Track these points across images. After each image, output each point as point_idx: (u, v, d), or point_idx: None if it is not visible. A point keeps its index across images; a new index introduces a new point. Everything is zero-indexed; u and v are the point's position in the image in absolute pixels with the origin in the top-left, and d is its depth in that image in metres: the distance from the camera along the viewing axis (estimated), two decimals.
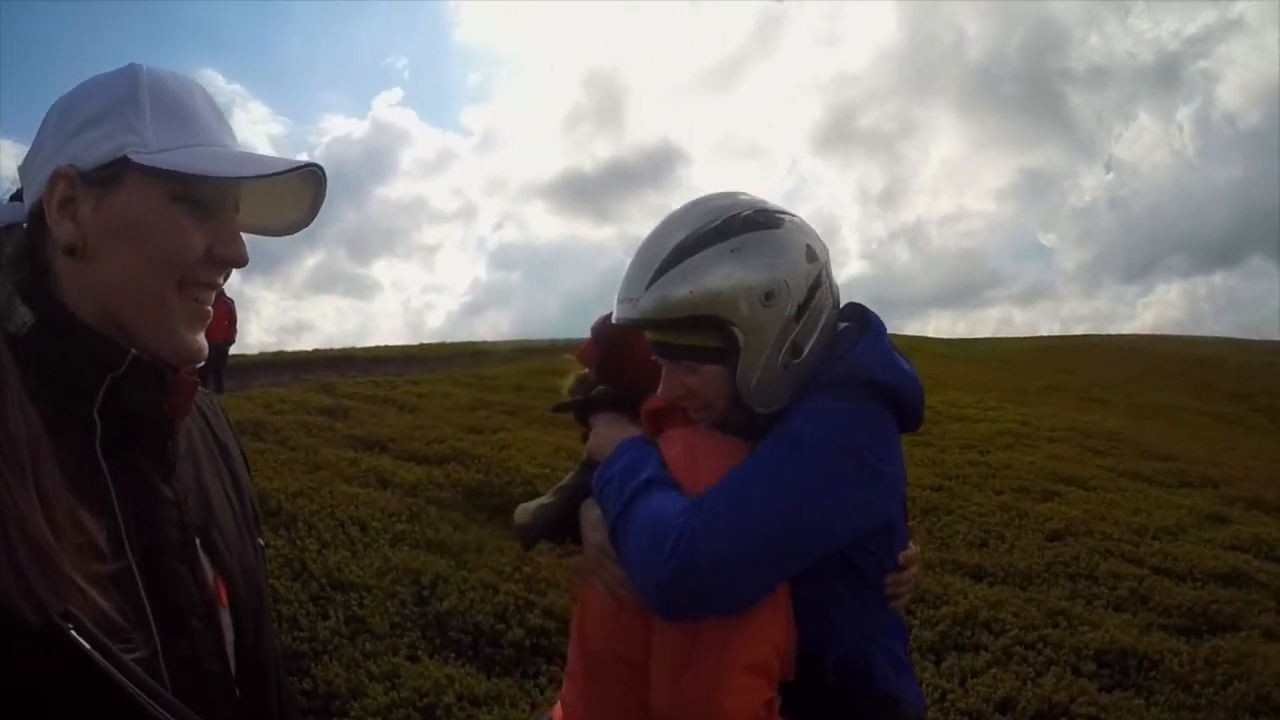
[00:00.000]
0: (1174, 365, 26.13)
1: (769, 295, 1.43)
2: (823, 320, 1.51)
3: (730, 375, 1.47)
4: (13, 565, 0.73)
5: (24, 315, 0.99)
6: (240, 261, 1.08)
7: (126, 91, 1.04)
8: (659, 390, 1.54)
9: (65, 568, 0.77)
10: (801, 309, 1.47)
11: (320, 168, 1.09)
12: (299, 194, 1.14)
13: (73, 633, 0.77)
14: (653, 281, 1.44)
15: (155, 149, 1.01)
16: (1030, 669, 5.02)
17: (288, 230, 1.18)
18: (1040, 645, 5.29)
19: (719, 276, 1.42)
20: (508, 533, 6.04)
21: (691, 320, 1.43)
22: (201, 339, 1.08)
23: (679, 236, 1.45)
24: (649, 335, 1.53)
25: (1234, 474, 10.88)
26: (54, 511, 0.79)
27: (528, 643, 4.86)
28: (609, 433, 1.58)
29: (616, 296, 1.50)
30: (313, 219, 1.17)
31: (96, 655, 0.77)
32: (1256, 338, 37.05)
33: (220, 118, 1.09)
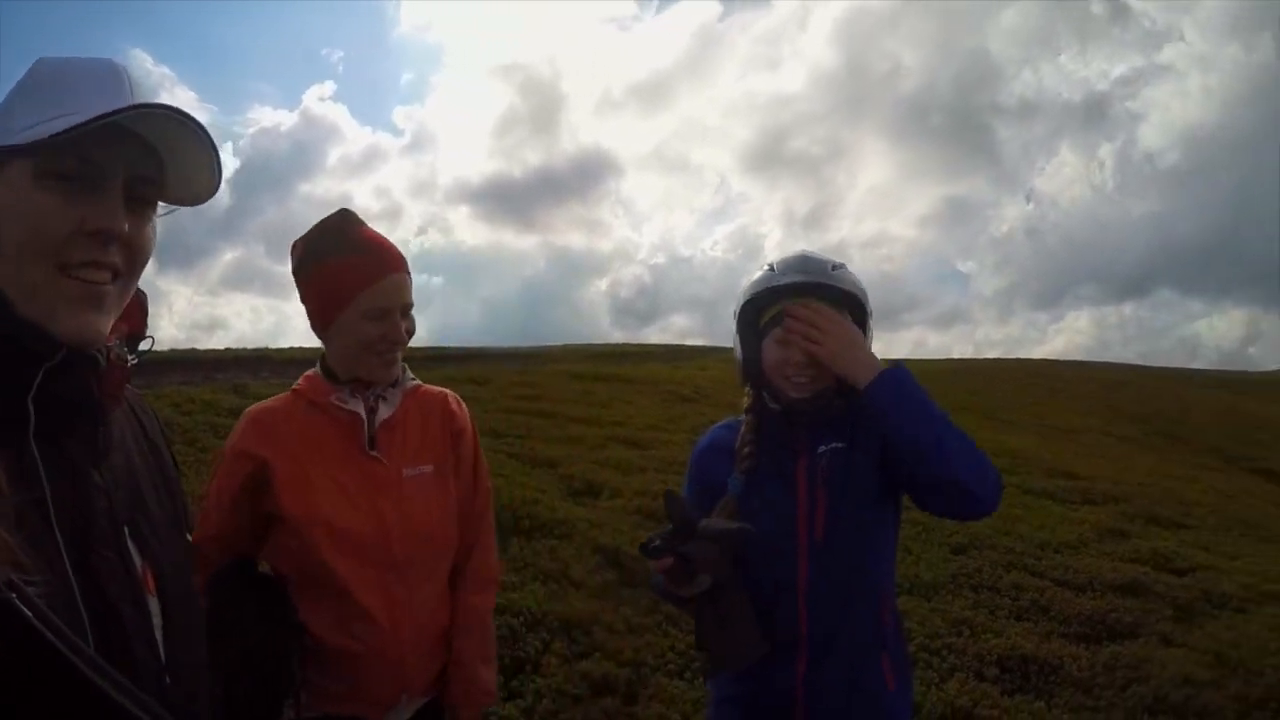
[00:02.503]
0: (1081, 388, 26.92)
1: (871, 313, 2.08)
2: None
3: None
4: None
5: None
6: (112, 231, 1.04)
7: (15, 87, 1.05)
8: (794, 354, 2.00)
9: None
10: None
11: (179, 110, 1.05)
12: (197, 156, 1.11)
13: (16, 601, 0.77)
14: (835, 268, 2.05)
15: (19, 129, 1.00)
16: (935, 674, 5.16)
17: (195, 200, 1.17)
18: (945, 652, 5.45)
19: (864, 287, 2.07)
20: None
21: (850, 298, 2.03)
22: (94, 320, 1.05)
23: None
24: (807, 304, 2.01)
25: (1134, 491, 11.28)
26: None
27: None
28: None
29: (783, 272, 2.05)
30: (218, 185, 1.16)
31: (39, 625, 0.77)
32: (1162, 365, 38.43)
33: (118, 90, 1.05)
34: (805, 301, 2.00)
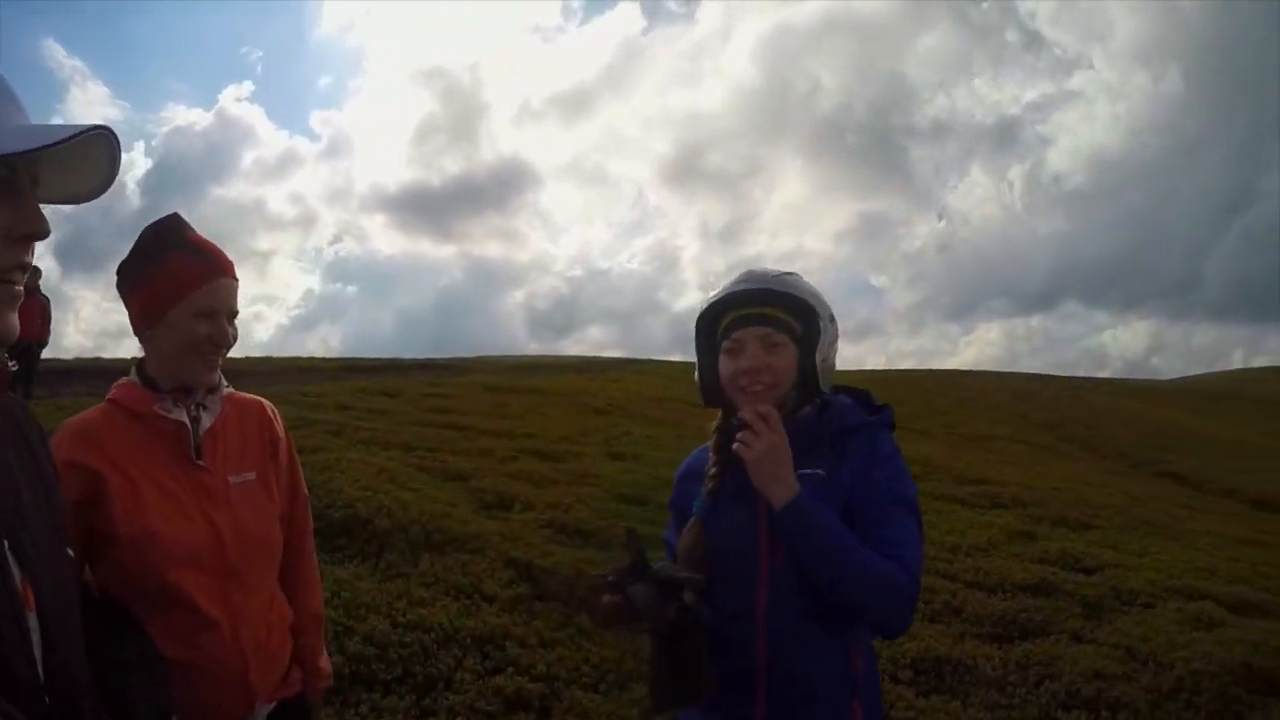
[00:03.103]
0: (990, 398, 27.51)
1: (832, 318, 2.08)
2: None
3: (800, 361, 2.02)
4: None
5: None
6: (40, 234, 1.09)
7: None
8: (742, 362, 2.01)
9: None
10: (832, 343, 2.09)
11: (108, 129, 1.08)
12: (96, 159, 1.15)
13: None
14: (779, 276, 2.05)
15: None
16: None
17: (89, 196, 1.20)
18: None
19: (817, 292, 2.07)
20: (326, 556, 5.86)
21: (797, 303, 2.02)
22: (13, 319, 1.09)
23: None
24: (753, 311, 2.03)
25: (1042, 495, 11.53)
26: None
27: (347, 670, 4.66)
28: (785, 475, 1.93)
29: (729, 286, 2.08)
30: (111, 182, 1.18)
31: None
32: (1067, 374, 39.41)
33: (8, 95, 1.09)
34: (757, 407, 1.96)
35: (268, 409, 2.30)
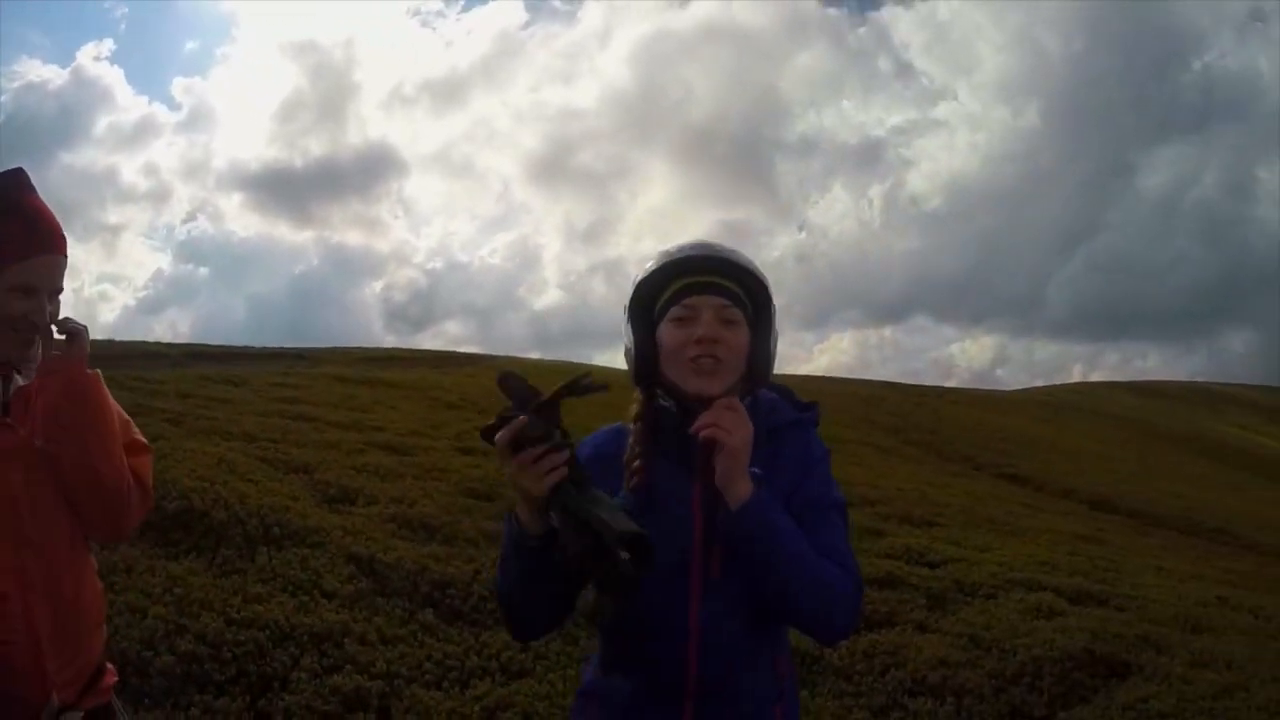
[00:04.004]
0: (841, 403, 28.03)
1: (776, 311, 1.86)
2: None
3: (750, 347, 1.80)
4: None
5: None
6: None
7: None
8: (703, 328, 1.76)
9: None
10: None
11: None
12: None
13: None
14: (735, 250, 1.84)
15: None
16: None
17: None
18: None
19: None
20: (159, 550, 5.50)
21: (755, 282, 1.82)
22: None
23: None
24: (710, 280, 1.80)
25: (889, 495, 11.75)
26: None
27: (178, 670, 4.33)
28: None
29: (682, 249, 1.83)
30: None
31: None
32: (914, 382, 40.61)
33: None
34: (725, 399, 1.73)
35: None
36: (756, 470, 1.71)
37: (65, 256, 1.94)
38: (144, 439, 2.13)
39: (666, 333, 1.80)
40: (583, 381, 1.60)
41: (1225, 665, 5.72)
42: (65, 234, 1.95)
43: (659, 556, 1.57)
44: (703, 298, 1.78)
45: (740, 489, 1.68)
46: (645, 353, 1.83)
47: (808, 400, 1.95)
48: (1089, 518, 14.45)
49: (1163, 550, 11.84)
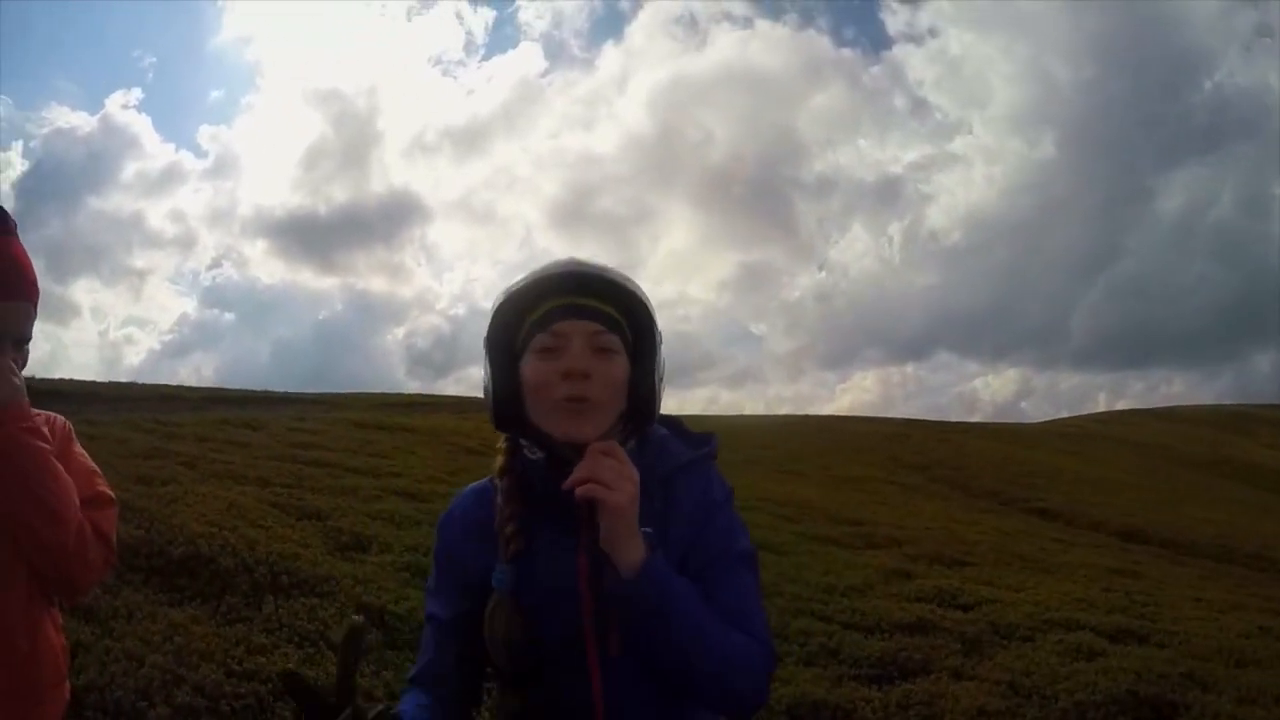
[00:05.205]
0: (865, 441, 27.88)
1: (662, 340, 1.59)
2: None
3: (633, 380, 1.53)
4: None
5: None
6: None
7: None
8: (571, 360, 1.49)
9: None
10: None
11: None
12: None
13: None
14: (610, 268, 1.57)
15: None
16: None
17: None
18: None
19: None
20: (162, 596, 5.35)
21: (634, 304, 1.55)
22: None
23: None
24: (580, 302, 1.53)
25: (916, 534, 11.53)
26: None
27: None
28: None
29: (546, 268, 1.56)
30: None
31: None
32: (938, 419, 40.43)
33: None
34: (601, 444, 1.47)
35: (57, 421, 2.00)
36: (648, 530, 1.47)
37: (33, 305, 1.86)
38: (109, 491, 2.01)
39: (530, 367, 1.52)
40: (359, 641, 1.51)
41: (1275, 700, 5.53)
42: (37, 283, 1.87)
43: (551, 634, 1.49)
44: (572, 323, 1.51)
45: (629, 554, 1.43)
46: (505, 393, 1.55)
47: (704, 432, 1.69)
48: (1121, 550, 14.14)
49: (1200, 580, 11.53)
